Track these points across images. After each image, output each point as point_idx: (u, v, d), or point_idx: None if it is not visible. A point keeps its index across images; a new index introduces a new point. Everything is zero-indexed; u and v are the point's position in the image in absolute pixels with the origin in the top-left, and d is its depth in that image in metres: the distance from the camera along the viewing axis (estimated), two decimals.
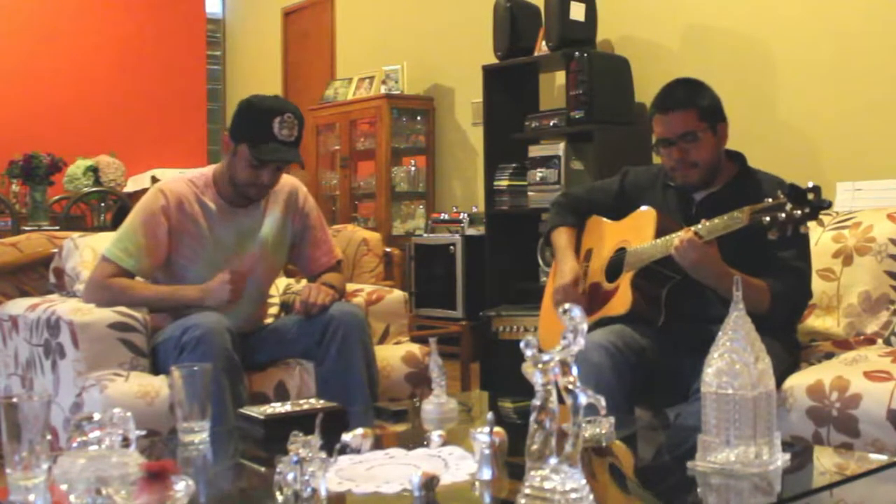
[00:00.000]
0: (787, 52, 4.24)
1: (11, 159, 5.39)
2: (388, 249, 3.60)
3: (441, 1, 6.10)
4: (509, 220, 5.05)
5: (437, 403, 2.11)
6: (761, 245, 2.29)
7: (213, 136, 8.28)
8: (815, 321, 2.67)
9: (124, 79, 7.73)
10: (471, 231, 5.38)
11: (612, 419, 1.89)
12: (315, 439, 1.40)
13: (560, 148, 4.73)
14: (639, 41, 4.83)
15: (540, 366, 1.34)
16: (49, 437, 1.51)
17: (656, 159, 2.65)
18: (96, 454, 1.40)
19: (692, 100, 2.49)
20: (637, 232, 2.55)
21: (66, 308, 2.57)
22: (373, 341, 2.75)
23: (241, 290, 2.62)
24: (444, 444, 1.79)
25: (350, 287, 3.05)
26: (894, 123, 3.86)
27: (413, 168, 6.18)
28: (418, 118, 6.18)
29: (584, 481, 1.32)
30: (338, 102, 6.50)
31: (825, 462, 1.81)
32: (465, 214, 5.47)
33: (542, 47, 4.94)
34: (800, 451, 1.89)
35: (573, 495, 1.30)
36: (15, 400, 1.48)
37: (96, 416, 1.47)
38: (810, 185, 2.13)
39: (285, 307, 3.06)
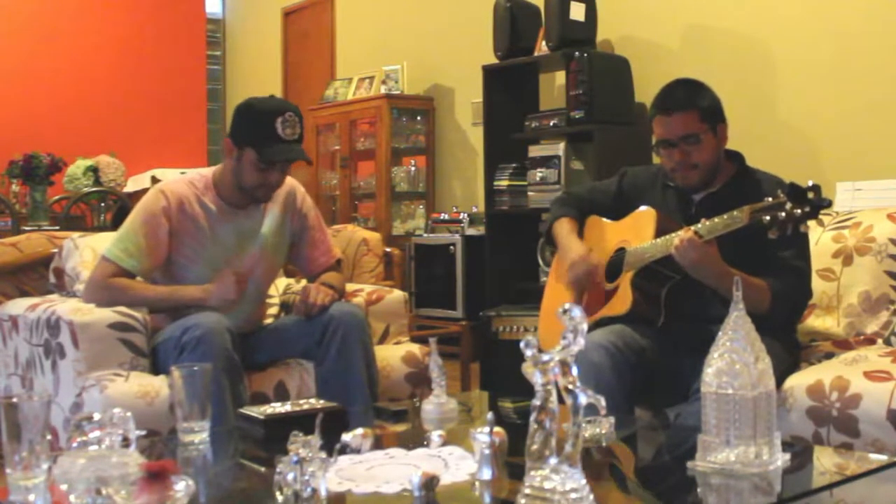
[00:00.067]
0: (787, 52, 4.24)
1: (11, 159, 5.39)
2: (388, 249, 3.60)
3: (441, 1, 6.10)
4: (509, 220, 5.05)
5: (437, 403, 2.11)
6: (761, 244, 2.29)
7: (213, 136, 8.28)
8: (815, 321, 2.67)
9: (124, 79, 7.73)
10: (471, 231, 5.38)
11: (612, 419, 1.89)
12: (315, 439, 1.41)
13: (560, 148, 4.73)
14: (639, 41, 4.83)
15: (540, 366, 1.34)
16: (49, 437, 1.51)
17: (656, 159, 2.65)
18: (96, 454, 1.40)
19: (693, 101, 2.49)
20: (637, 232, 2.55)
21: (66, 308, 2.57)
22: (373, 341, 2.75)
23: (244, 291, 2.62)
24: (444, 444, 1.79)
25: (350, 287, 3.05)
26: (894, 123, 3.86)
27: (413, 168, 6.18)
28: (418, 118, 6.18)
29: (584, 481, 1.32)
30: (338, 102, 6.50)
31: (825, 462, 1.81)
32: (465, 214, 5.47)
33: (542, 47, 4.94)
34: (800, 451, 1.89)
35: (573, 495, 1.30)
36: (15, 400, 1.48)
37: (96, 416, 1.47)
38: (810, 183, 2.13)
39: (285, 307, 3.06)
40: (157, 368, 2.56)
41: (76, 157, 5.63)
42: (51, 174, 5.27)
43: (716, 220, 2.29)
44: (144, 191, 2.88)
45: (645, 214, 2.55)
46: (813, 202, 2.11)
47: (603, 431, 1.87)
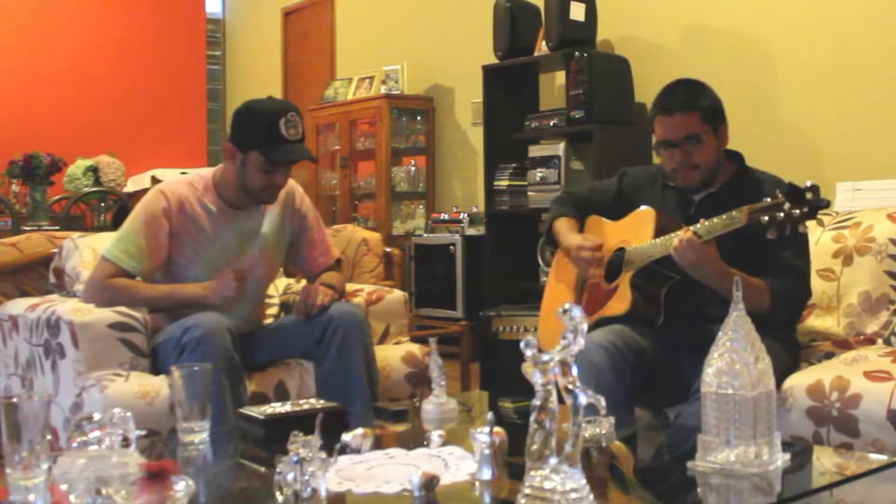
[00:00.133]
0: (787, 52, 4.24)
1: (11, 159, 5.39)
2: (388, 249, 3.60)
3: (441, 1, 6.10)
4: (509, 220, 5.05)
5: (437, 403, 2.11)
6: (760, 245, 2.29)
7: (213, 136, 8.29)
8: (815, 321, 2.67)
9: (124, 79, 7.73)
10: (471, 231, 5.38)
11: (612, 419, 1.89)
12: (315, 439, 1.41)
13: (560, 148, 4.73)
14: (639, 41, 4.83)
15: (540, 366, 1.34)
16: (49, 437, 1.51)
17: (656, 159, 2.64)
18: (96, 454, 1.40)
19: (695, 102, 2.49)
20: (636, 232, 2.55)
21: (66, 308, 2.57)
22: (373, 341, 2.75)
23: (244, 289, 2.62)
24: (444, 444, 1.79)
25: (350, 287, 3.05)
26: (894, 123, 3.86)
27: (413, 168, 6.18)
28: (418, 118, 6.18)
29: (584, 481, 1.32)
30: (338, 102, 6.50)
31: (825, 462, 1.82)
32: (465, 214, 5.47)
33: (542, 47, 4.94)
34: (800, 451, 1.89)
35: (573, 495, 1.30)
36: (15, 400, 1.48)
37: (96, 416, 1.48)
38: (808, 184, 2.13)
39: (285, 307, 3.06)
40: (157, 368, 2.56)
41: (76, 157, 5.63)
42: (51, 174, 5.27)
43: (714, 220, 2.29)
44: (144, 191, 2.88)
45: (644, 214, 2.55)
46: (811, 203, 2.11)
47: (603, 431, 1.87)
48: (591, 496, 1.32)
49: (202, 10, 8.35)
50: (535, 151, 4.86)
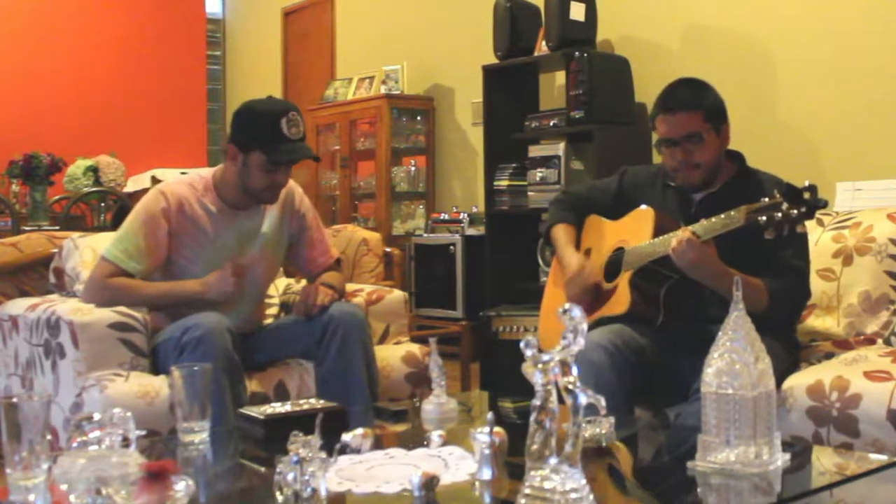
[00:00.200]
0: (787, 52, 4.24)
1: (11, 159, 5.39)
2: (388, 249, 3.60)
3: (441, 1, 6.10)
4: (509, 220, 5.05)
5: (437, 403, 2.11)
6: (759, 245, 2.29)
7: (213, 136, 8.29)
8: (815, 321, 2.67)
9: (124, 79, 7.73)
10: (471, 231, 5.38)
11: (612, 419, 1.89)
12: (315, 439, 1.40)
13: (560, 148, 4.73)
14: (639, 41, 4.83)
15: (540, 366, 1.33)
16: (49, 437, 1.51)
17: (656, 159, 2.64)
18: (96, 454, 1.40)
19: (698, 101, 2.49)
20: (635, 231, 2.55)
21: (66, 308, 2.57)
22: (373, 341, 2.75)
23: (244, 283, 2.62)
24: (444, 444, 1.79)
25: (350, 287, 3.05)
26: (894, 123, 3.86)
27: (413, 168, 6.18)
28: (418, 118, 6.18)
29: (584, 481, 1.32)
30: (338, 102, 6.50)
31: (825, 462, 1.82)
32: (465, 214, 5.47)
33: (542, 47, 4.94)
34: (800, 451, 1.89)
35: (573, 495, 1.30)
36: (15, 400, 1.48)
37: (96, 416, 1.47)
38: (806, 184, 2.13)
39: (285, 307, 3.06)
40: (157, 368, 2.56)
41: (76, 157, 5.63)
42: (51, 174, 5.27)
43: (713, 220, 2.29)
44: (144, 191, 2.88)
45: (643, 214, 2.55)
46: (809, 202, 2.11)
47: (603, 431, 1.87)
48: (591, 496, 1.31)
49: (202, 10, 8.35)
50: (535, 151, 4.86)
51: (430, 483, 1.45)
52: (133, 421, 1.50)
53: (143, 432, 1.66)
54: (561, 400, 1.33)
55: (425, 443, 1.81)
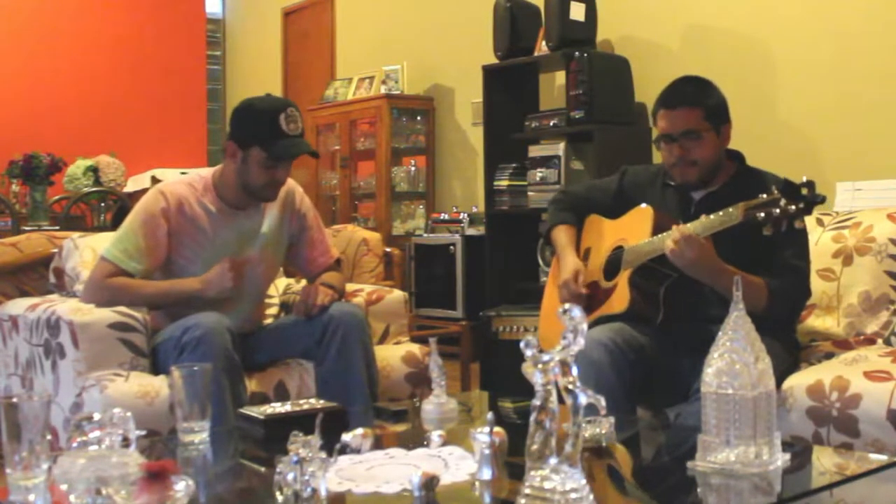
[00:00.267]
0: (787, 52, 4.24)
1: (11, 159, 5.39)
2: (388, 249, 3.60)
3: (441, 1, 6.10)
4: (509, 220, 5.05)
5: (437, 403, 2.11)
6: (759, 244, 2.29)
7: (213, 136, 8.29)
8: (815, 321, 2.67)
9: (124, 79, 7.73)
10: (471, 231, 5.38)
11: (612, 419, 1.89)
12: (315, 439, 1.41)
13: (560, 148, 4.73)
14: (639, 41, 4.83)
15: (540, 366, 1.33)
16: (49, 437, 1.51)
17: (657, 159, 2.65)
18: (96, 454, 1.40)
19: (699, 98, 2.49)
20: (634, 230, 2.55)
21: (66, 308, 2.57)
22: (373, 341, 2.75)
23: (242, 279, 2.62)
24: (444, 444, 1.79)
25: (350, 287, 3.05)
26: (894, 123, 3.86)
27: (413, 168, 6.18)
28: (418, 118, 6.18)
29: (584, 481, 1.32)
30: (338, 102, 6.50)
31: (825, 462, 1.82)
32: (465, 214, 5.47)
33: (542, 47, 4.94)
34: (800, 451, 1.89)
35: (573, 495, 1.30)
36: (15, 400, 1.48)
37: (96, 416, 1.48)
38: (804, 179, 2.13)
39: (285, 307, 3.06)
40: (157, 368, 2.56)
41: (76, 157, 5.63)
42: (51, 174, 5.27)
43: (711, 217, 2.29)
44: (144, 191, 2.88)
45: (642, 212, 2.55)
46: (807, 198, 2.11)
47: (603, 431, 1.87)
48: (591, 496, 1.31)
49: (202, 10, 8.35)
50: (535, 151, 4.86)
51: (430, 483, 1.45)
52: (133, 421, 1.50)
53: (143, 432, 1.66)
54: (561, 400, 1.33)
55: (425, 443, 1.81)
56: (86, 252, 2.89)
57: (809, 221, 2.70)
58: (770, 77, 4.30)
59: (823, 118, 4.10)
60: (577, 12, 4.70)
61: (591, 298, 2.60)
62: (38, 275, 3.03)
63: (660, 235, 2.43)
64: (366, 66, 6.48)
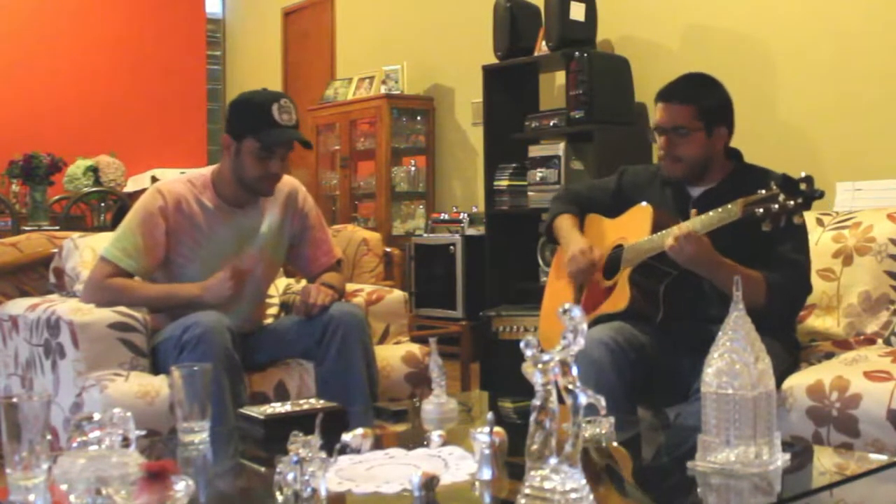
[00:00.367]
0: (787, 52, 4.24)
1: (11, 159, 5.39)
2: (388, 249, 3.60)
3: (441, 1, 6.10)
4: (509, 220, 5.05)
5: (437, 403, 2.11)
6: (758, 240, 2.29)
7: (213, 136, 8.28)
8: (815, 321, 2.67)
9: (124, 79, 7.73)
10: (471, 231, 5.38)
11: (612, 419, 1.89)
12: (315, 439, 1.40)
13: (560, 148, 4.73)
14: (639, 41, 4.83)
15: (540, 366, 1.33)
16: (49, 437, 1.51)
17: (657, 158, 2.65)
18: (96, 454, 1.40)
19: (694, 96, 2.50)
20: (634, 228, 2.55)
21: (66, 308, 2.56)
22: (373, 341, 2.75)
23: (243, 287, 2.62)
24: (444, 444, 1.79)
25: (350, 287, 3.05)
26: (894, 123, 3.86)
27: (413, 168, 6.18)
28: (418, 118, 6.18)
29: (584, 481, 1.32)
30: (338, 102, 6.50)
31: (825, 462, 1.81)
32: (465, 214, 5.47)
33: (542, 47, 4.94)
34: (800, 451, 1.89)
35: (573, 495, 1.30)
36: (15, 400, 1.48)
37: (96, 416, 1.48)
38: (803, 175, 2.13)
39: (285, 307, 3.06)
40: (157, 368, 2.56)
41: (76, 157, 5.63)
42: (51, 174, 5.27)
43: (710, 214, 2.30)
44: (144, 191, 2.88)
45: (642, 211, 2.56)
46: (805, 193, 2.11)
47: (603, 431, 1.87)
48: (591, 496, 1.31)
49: (202, 10, 8.35)
50: (535, 151, 4.86)
51: (430, 483, 1.45)
52: (133, 421, 1.50)
53: (143, 432, 1.66)
54: (561, 400, 1.33)
55: (425, 443, 1.81)
56: (86, 252, 2.89)
57: (809, 221, 2.71)
58: (770, 77, 4.30)
59: (823, 118, 4.10)
60: (577, 12, 4.70)
61: (591, 297, 2.60)
62: (38, 275, 3.03)
63: (659, 233, 2.43)
64: (366, 66, 6.48)
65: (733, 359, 1.55)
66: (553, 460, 1.31)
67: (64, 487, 1.37)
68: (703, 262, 2.33)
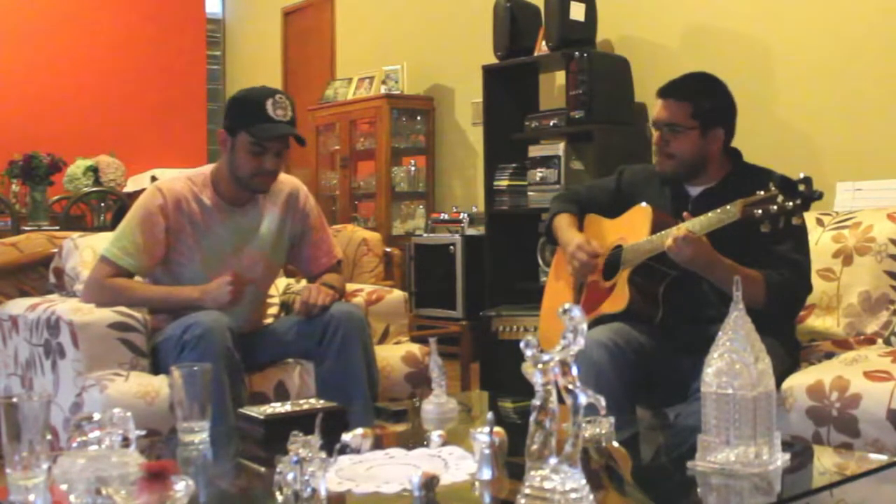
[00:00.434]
0: (787, 52, 4.23)
1: (11, 159, 5.40)
2: (388, 249, 3.60)
3: (441, 1, 6.10)
4: (509, 220, 5.05)
5: (437, 403, 2.11)
6: (757, 240, 2.29)
7: (213, 136, 8.27)
8: (815, 321, 2.67)
9: (124, 79, 7.73)
10: (471, 231, 5.38)
11: (611, 419, 1.89)
12: (315, 439, 1.40)
13: (560, 148, 4.73)
14: (639, 41, 4.83)
15: (540, 366, 1.34)
16: (49, 437, 1.51)
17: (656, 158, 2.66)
18: (96, 454, 1.40)
19: (693, 95, 2.50)
20: (633, 229, 2.55)
21: (66, 308, 2.56)
22: (373, 341, 2.75)
23: (242, 294, 2.61)
24: (444, 444, 1.79)
25: (350, 287, 3.05)
26: (894, 123, 3.85)
27: (413, 168, 6.18)
28: (418, 118, 6.18)
29: (584, 481, 1.32)
30: (338, 102, 6.50)
31: (825, 462, 1.82)
32: (465, 214, 5.47)
33: (542, 47, 4.93)
34: (800, 451, 1.89)
35: (573, 495, 1.30)
36: (15, 400, 1.48)
37: (96, 416, 1.48)
38: (801, 175, 2.14)
39: (285, 307, 3.06)
40: (157, 368, 2.56)
41: (76, 157, 5.63)
42: (51, 174, 5.28)
43: (710, 215, 2.30)
44: (144, 191, 2.88)
45: (641, 211, 2.56)
46: (804, 194, 2.12)
47: (603, 431, 1.87)
48: (591, 496, 1.32)
49: (202, 10, 8.35)
50: (535, 151, 4.86)
51: (430, 483, 1.45)
52: (133, 421, 1.51)
53: (143, 432, 1.66)
54: (561, 400, 1.33)
55: (425, 443, 1.81)
56: (86, 252, 2.89)
57: (809, 221, 2.71)
58: (770, 77, 4.30)
59: (823, 118, 4.10)
60: (577, 12, 4.69)
61: (591, 297, 2.60)
62: (38, 275, 3.03)
63: (659, 234, 2.43)
64: (366, 66, 6.48)
65: (733, 359, 1.55)
66: (553, 460, 1.32)
67: (64, 487, 1.37)
68: (702, 263, 2.33)
